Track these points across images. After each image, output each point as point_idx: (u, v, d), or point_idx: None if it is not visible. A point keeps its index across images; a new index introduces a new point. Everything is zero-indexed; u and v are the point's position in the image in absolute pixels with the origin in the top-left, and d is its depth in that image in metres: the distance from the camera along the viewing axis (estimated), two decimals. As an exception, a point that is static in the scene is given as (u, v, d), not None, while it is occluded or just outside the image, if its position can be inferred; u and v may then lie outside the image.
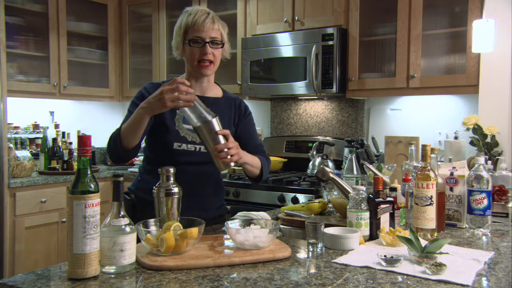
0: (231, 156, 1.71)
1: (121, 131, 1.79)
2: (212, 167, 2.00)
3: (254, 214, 1.89)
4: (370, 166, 2.34)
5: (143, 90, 1.94)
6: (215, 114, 1.71)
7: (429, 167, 1.70)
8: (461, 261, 1.42)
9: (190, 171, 1.91)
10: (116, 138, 1.79)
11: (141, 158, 2.16)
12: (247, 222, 1.61)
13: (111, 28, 4.42)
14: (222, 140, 1.71)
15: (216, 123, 1.70)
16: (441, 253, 1.39)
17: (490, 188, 1.84)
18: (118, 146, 1.78)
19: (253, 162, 1.96)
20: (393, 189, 1.89)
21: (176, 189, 1.57)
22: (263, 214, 1.90)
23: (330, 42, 3.26)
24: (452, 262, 1.38)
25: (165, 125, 1.91)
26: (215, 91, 2.05)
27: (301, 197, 3.07)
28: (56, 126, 3.94)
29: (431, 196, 1.68)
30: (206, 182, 1.99)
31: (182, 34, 1.91)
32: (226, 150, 1.70)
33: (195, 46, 1.89)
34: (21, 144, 3.90)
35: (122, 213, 1.33)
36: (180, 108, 1.69)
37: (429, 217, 1.68)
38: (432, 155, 1.82)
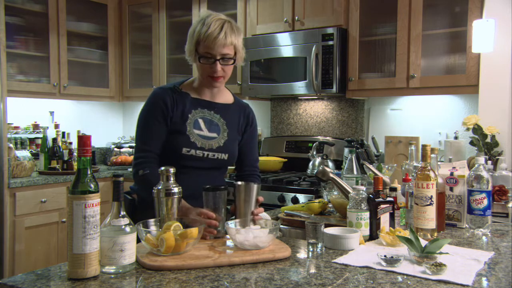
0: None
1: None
2: (217, 172, 2.00)
3: (254, 214, 1.89)
4: (370, 166, 2.34)
5: (160, 102, 1.87)
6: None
7: (429, 167, 1.70)
8: (461, 261, 1.42)
9: (196, 175, 1.90)
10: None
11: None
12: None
13: (111, 28, 4.42)
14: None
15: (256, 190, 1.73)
16: (441, 253, 1.39)
17: (490, 188, 1.84)
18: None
19: None
20: (393, 189, 1.89)
21: (176, 189, 1.57)
22: (263, 214, 1.90)
23: (330, 42, 3.26)
24: (452, 262, 1.38)
25: (175, 128, 1.89)
26: (226, 97, 2.04)
27: (301, 197, 3.07)
28: (56, 126, 3.94)
29: (431, 196, 1.68)
30: (208, 185, 1.97)
31: (194, 44, 1.86)
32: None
33: (205, 62, 1.85)
34: (21, 144, 3.90)
35: (122, 213, 1.33)
36: None
37: (429, 217, 1.68)
38: (432, 155, 1.82)
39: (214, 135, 1.93)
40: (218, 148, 1.93)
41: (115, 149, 4.36)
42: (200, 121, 1.92)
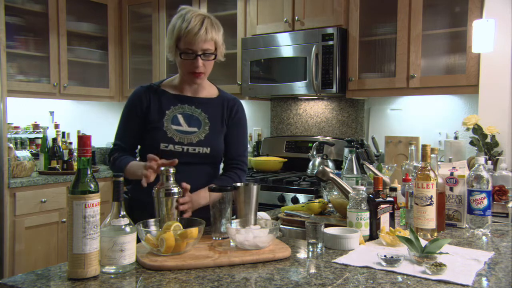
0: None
1: (125, 173, 1.85)
2: (203, 166, 1.98)
3: (254, 214, 1.89)
4: (370, 166, 2.34)
5: (135, 100, 1.98)
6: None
7: (429, 167, 1.70)
8: (461, 261, 1.42)
9: (180, 171, 1.86)
10: (121, 170, 1.85)
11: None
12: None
13: (111, 28, 4.42)
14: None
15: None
16: (441, 253, 1.39)
17: (490, 188, 1.84)
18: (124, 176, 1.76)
19: None
20: (393, 189, 1.89)
21: (176, 189, 1.57)
22: (263, 214, 1.90)
23: (330, 42, 3.26)
24: (452, 262, 1.38)
25: (153, 125, 1.92)
26: (209, 91, 2.04)
27: (301, 197, 3.07)
28: (56, 126, 3.94)
29: (431, 196, 1.68)
30: (198, 180, 1.92)
31: (175, 40, 1.90)
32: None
33: (186, 58, 1.88)
34: (21, 144, 3.90)
35: (122, 213, 1.33)
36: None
37: (429, 217, 1.68)
38: (432, 155, 1.82)
39: (194, 129, 1.94)
40: (199, 142, 1.93)
41: (115, 149, 4.35)
42: (179, 116, 1.94)
